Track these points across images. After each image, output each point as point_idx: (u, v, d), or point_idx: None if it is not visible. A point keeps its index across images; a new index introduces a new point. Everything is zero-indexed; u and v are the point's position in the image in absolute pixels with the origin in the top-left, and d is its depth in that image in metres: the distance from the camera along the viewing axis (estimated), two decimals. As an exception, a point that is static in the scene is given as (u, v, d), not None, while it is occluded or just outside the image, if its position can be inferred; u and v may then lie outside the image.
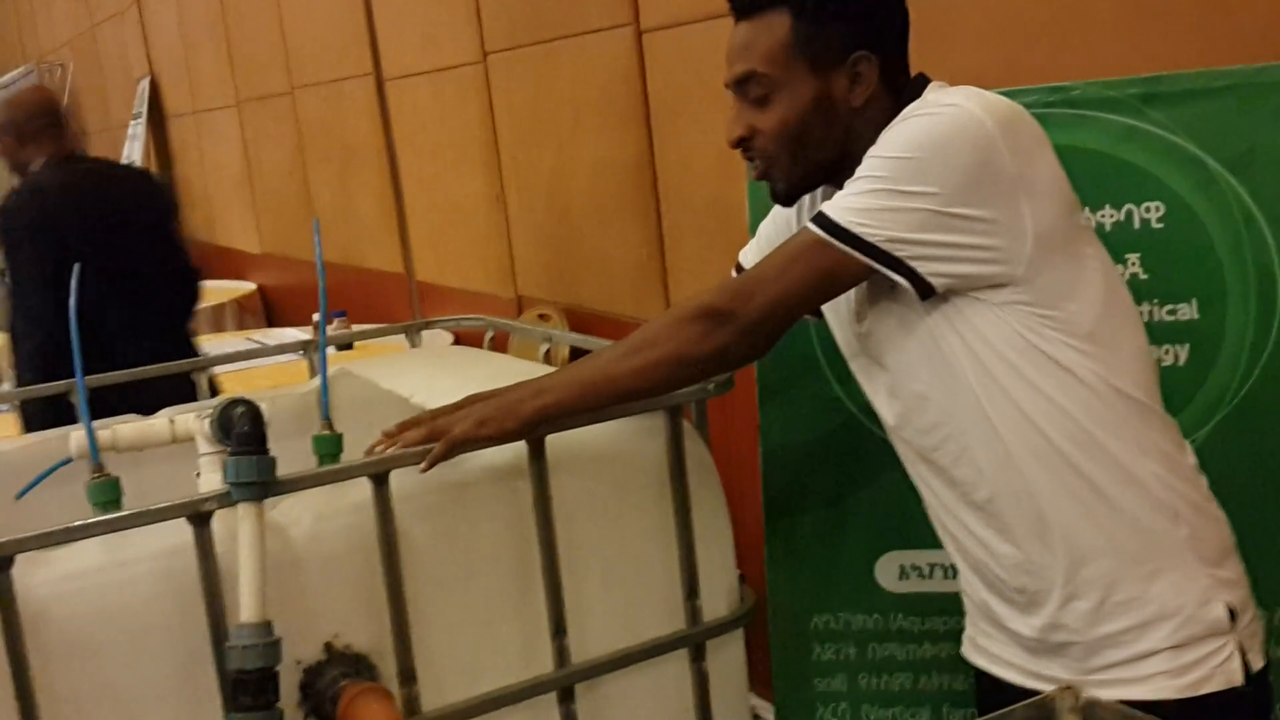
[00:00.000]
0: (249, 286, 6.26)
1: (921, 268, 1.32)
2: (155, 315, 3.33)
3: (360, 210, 5.08)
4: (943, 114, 1.32)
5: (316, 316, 4.05)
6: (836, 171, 1.44)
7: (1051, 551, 1.37)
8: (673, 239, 3.17)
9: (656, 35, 3.07)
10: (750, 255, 1.69)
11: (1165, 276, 1.72)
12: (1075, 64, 2.03)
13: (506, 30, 3.73)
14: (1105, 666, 1.37)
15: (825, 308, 1.57)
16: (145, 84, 7.73)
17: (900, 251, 1.32)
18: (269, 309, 6.24)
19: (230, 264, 6.87)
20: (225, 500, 1.36)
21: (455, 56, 4.03)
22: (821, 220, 1.36)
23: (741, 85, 1.44)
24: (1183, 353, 1.73)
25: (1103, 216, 1.74)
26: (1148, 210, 1.73)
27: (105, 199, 3.28)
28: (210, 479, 1.51)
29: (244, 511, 1.34)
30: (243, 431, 1.35)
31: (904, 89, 1.44)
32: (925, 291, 1.34)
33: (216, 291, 6.14)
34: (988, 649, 1.50)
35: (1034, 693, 1.35)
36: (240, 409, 1.36)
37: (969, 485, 1.41)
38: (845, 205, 1.35)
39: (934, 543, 1.83)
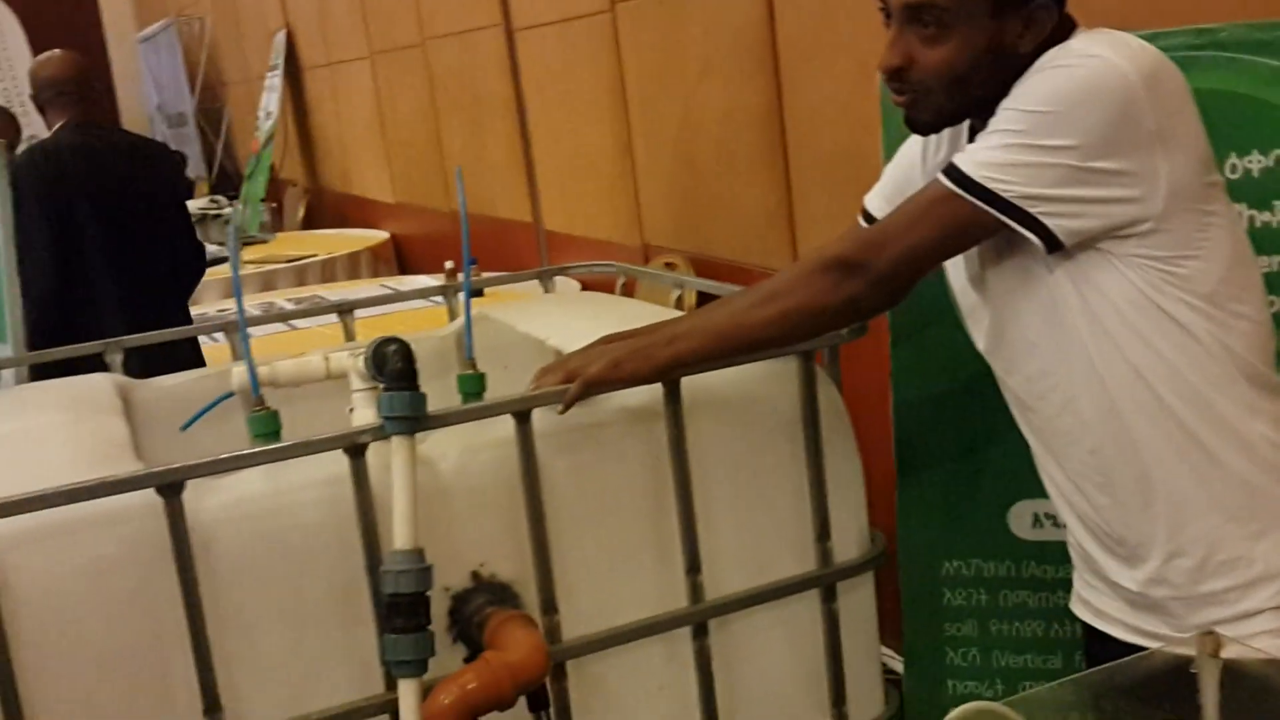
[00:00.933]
0: (382, 235, 6.41)
1: (1053, 223, 1.31)
2: (153, 289, 3.34)
3: (490, 160, 5.16)
4: (1083, 65, 1.30)
5: (449, 264, 4.16)
6: (987, 108, 1.41)
7: (1153, 507, 1.37)
8: (800, 188, 3.16)
9: (788, -18, 3.06)
10: (875, 199, 1.68)
11: (1313, 224, 1.68)
12: (1222, 5, 1.97)
13: (637, -21, 3.74)
14: (1208, 624, 1.35)
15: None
16: (281, 36, 7.91)
17: (1034, 208, 1.31)
18: (401, 257, 6.38)
19: (364, 213, 7.03)
20: (379, 434, 1.42)
21: (584, 6, 4.06)
22: (954, 173, 1.35)
23: (912, 12, 1.37)
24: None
25: (1250, 162, 1.70)
26: (1297, 155, 1.68)
27: (114, 168, 3.33)
28: (363, 414, 1.58)
29: (397, 444, 1.41)
30: (396, 368, 1.41)
31: (1060, 30, 1.40)
32: (1053, 246, 1.33)
33: (351, 240, 6.32)
34: (1091, 602, 1.51)
35: (1137, 648, 1.35)
36: (393, 347, 1.42)
37: (1072, 436, 1.42)
38: (979, 159, 1.34)
39: (1068, 491, 1.84)
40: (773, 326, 1.49)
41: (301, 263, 5.68)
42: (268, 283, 5.46)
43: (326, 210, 7.93)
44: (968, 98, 1.40)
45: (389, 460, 1.42)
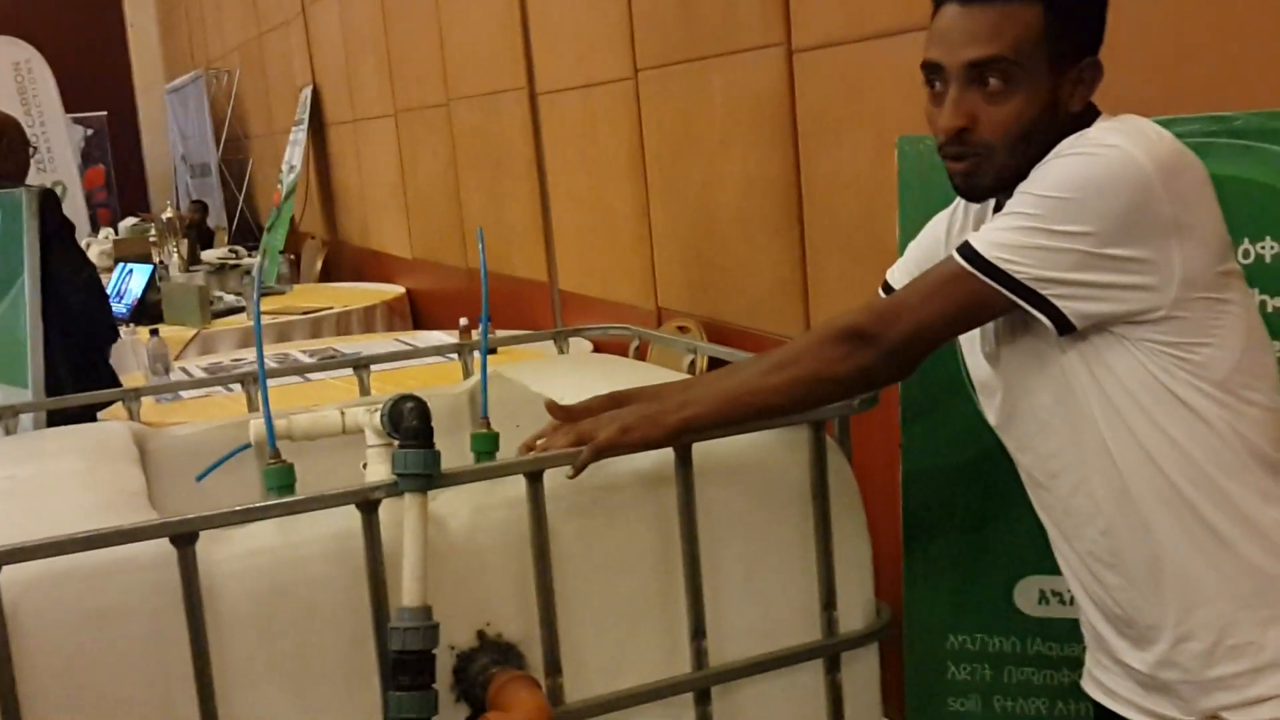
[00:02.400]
0: (398, 290, 6.45)
1: (1065, 306, 1.33)
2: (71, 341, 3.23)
3: (508, 219, 5.21)
4: (1101, 155, 1.32)
5: (464, 320, 4.19)
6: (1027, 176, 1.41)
7: (1163, 589, 1.37)
8: (815, 257, 3.19)
9: (807, 55, 3.11)
10: (897, 275, 1.70)
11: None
12: (1239, 93, 2.00)
13: (659, 48, 3.80)
14: (1217, 709, 1.36)
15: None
16: (308, 92, 8.03)
17: (1046, 290, 1.33)
18: (416, 312, 6.43)
19: (382, 267, 7.09)
20: (392, 490, 1.44)
21: (608, 72, 4.12)
22: (967, 252, 1.37)
23: (977, 69, 1.36)
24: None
25: (1263, 248, 1.72)
26: (1311, 243, 1.70)
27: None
28: (377, 469, 1.60)
29: (410, 501, 1.42)
30: (411, 425, 1.42)
31: (1092, 116, 1.42)
32: (1065, 328, 1.35)
33: (367, 293, 6.36)
34: (1103, 681, 1.50)
35: None
36: (410, 404, 1.44)
37: (1084, 516, 1.42)
38: (994, 240, 1.35)
39: (1075, 569, 1.84)
40: (782, 394, 1.50)
41: (318, 315, 5.71)
42: (283, 334, 5.50)
43: (344, 264, 8.00)
44: (1028, 158, 1.38)
45: (400, 517, 1.43)
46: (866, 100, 2.91)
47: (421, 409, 1.44)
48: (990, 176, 1.41)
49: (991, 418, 1.54)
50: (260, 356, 1.58)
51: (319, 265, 8.16)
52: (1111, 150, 1.31)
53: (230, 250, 8.04)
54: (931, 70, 1.42)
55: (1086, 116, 1.42)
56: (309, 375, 3.22)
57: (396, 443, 1.45)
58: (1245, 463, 1.33)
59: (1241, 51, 2.02)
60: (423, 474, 1.41)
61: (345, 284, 7.25)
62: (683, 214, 3.83)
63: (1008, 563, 1.88)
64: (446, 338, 4.69)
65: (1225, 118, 1.72)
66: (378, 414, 1.55)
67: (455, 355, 2.51)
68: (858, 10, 2.90)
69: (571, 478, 1.50)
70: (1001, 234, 1.35)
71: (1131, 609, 1.41)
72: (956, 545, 1.90)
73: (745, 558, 1.70)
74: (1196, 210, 1.32)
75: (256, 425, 1.63)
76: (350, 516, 1.46)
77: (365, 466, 1.63)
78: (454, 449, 1.96)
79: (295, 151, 8.05)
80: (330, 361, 2.38)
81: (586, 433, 1.52)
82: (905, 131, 1.96)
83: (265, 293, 6.55)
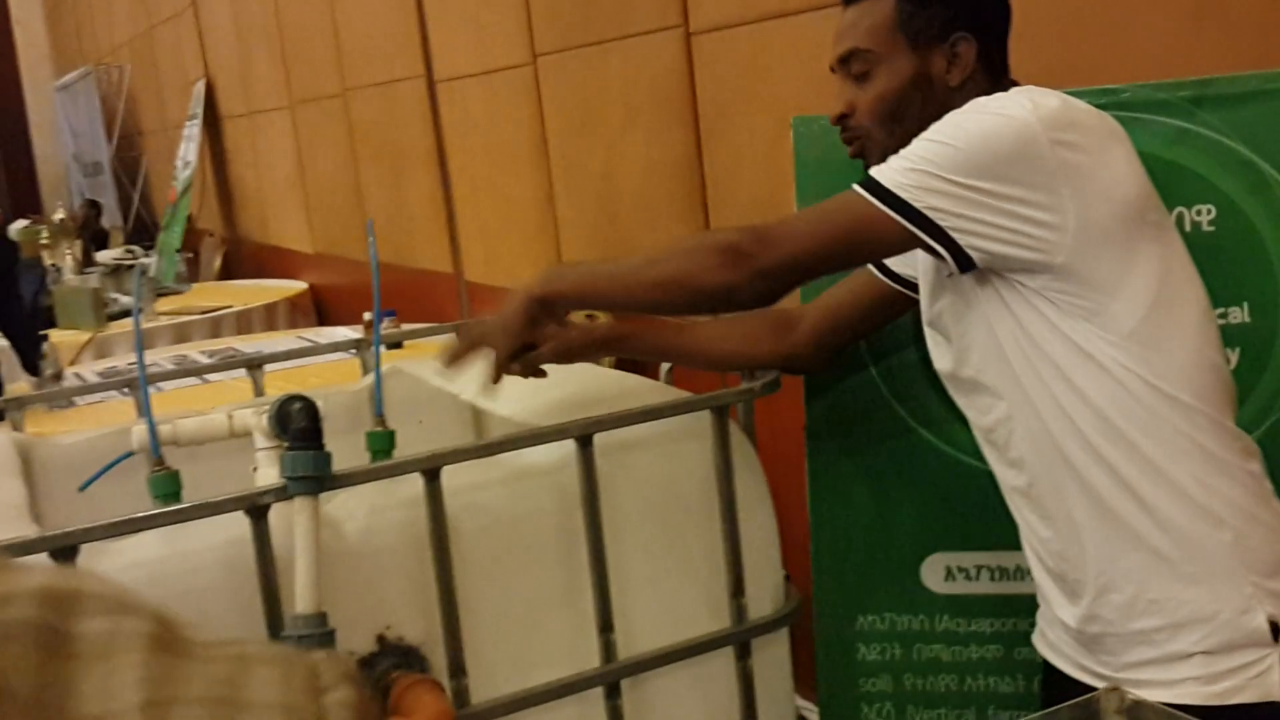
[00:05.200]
0: (300, 285, 6.33)
1: (962, 240, 1.33)
2: None
3: (411, 210, 5.13)
4: (987, 108, 1.36)
5: (368, 315, 4.11)
6: None
7: (1084, 542, 1.39)
8: (720, 239, 3.18)
9: (705, 37, 3.09)
10: None
11: (1216, 279, 1.69)
12: (1126, 66, 2.02)
13: (556, 32, 3.76)
14: (1138, 664, 1.38)
15: (921, 286, 1.58)
16: (201, 86, 7.84)
17: (943, 222, 1.33)
18: (320, 308, 6.31)
19: (283, 263, 6.95)
20: (282, 494, 1.39)
21: (506, 58, 4.07)
22: (867, 182, 1.37)
23: (844, 63, 1.50)
24: (1234, 356, 1.72)
25: (1152, 218, 1.73)
26: (1199, 213, 1.72)
27: None
28: (267, 473, 1.54)
29: (300, 505, 1.37)
30: (300, 427, 1.38)
31: (1002, 80, 1.49)
32: (964, 264, 1.36)
33: (269, 290, 6.23)
34: (1047, 636, 1.53)
35: (1086, 686, 1.37)
36: (297, 405, 1.39)
37: (1017, 469, 1.44)
38: (891, 170, 1.36)
39: (981, 544, 1.85)
40: (647, 288, 1.48)
41: (217, 314, 5.58)
42: (182, 335, 5.36)
43: (244, 260, 7.83)
44: (905, 134, 1.42)
45: (293, 521, 1.38)
46: (764, 81, 2.90)
47: (310, 409, 1.39)
48: (876, 155, 1.46)
49: (938, 367, 1.56)
50: (140, 360, 1.52)
51: (218, 263, 7.99)
52: (997, 104, 1.35)
53: (126, 250, 7.82)
54: (832, 69, 1.54)
55: (1006, 88, 1.45)
56: (206, 377, 3.12)
57: (285, 445, 1.40)
58: (1159, 415, 1.34)
59: (1128, 25, 2.04)
60: (312, 477, 1.37)
61: (246, 281, 7.10)
62: (587, 199, 3.80)
63: (914, 540, 1.88)
64: (351, 333, 4.60)
65: (1112, 90, 1.72)
66: (266, 416, 1.50)
67: (353, 352, 2.45)
68: (752, -9, 2.89)
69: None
70: (895, 172, 1.36)
71: (1062, 561, 1.42)
72: (862, 524, 1.90)
73: (652, 547, 1.68)
74: (1092, 157, 1.33)
75: (139, 432, 1.57)
76: (240, 523, 1.41)
77: (255, 470, 1.57)
78: (354, 448, 1.91)
79: (190, 147, 7.86)
80: (222, 362, 2.31)
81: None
82: (803, 112, 1.94)
83: (163, 293, 6.38)
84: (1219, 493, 1.35)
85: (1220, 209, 1.71)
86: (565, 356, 1.68)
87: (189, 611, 1.42)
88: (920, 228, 1.34)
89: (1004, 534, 1.57)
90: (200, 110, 7.77)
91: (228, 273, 7.89)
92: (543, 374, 1.66)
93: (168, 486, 1.51)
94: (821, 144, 1.88)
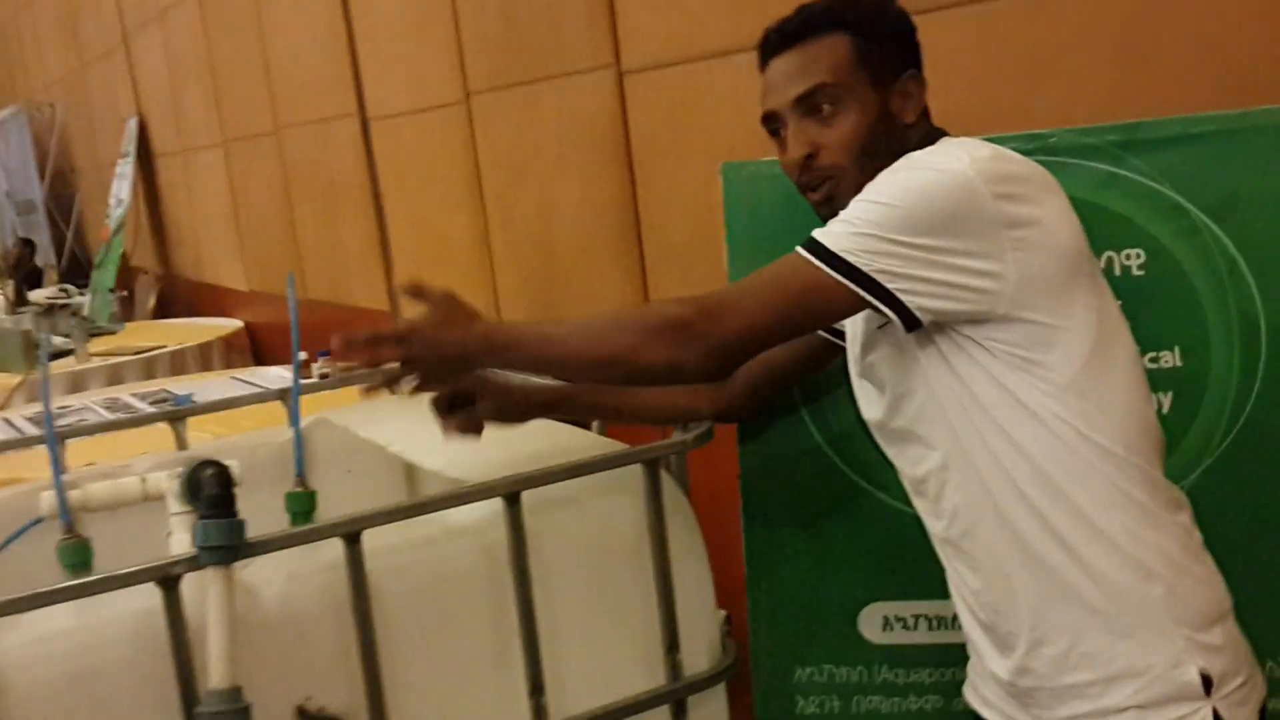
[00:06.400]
0: (236, 324, 6.23)
1: (909, 300, 1.31)
2: None
3: (346, 248, 5.07)
4: (924, 163, 1.34)
5: (303, 355, 4.04)
6: None
7: (1017, 594, 1.37)
8: (655, 278, 3.16)
9: (638, 77, 3.07)
10: None
11: (1147, 324, 1.70)
12: (1054, 110, 2.02)
13: (489, 71, 3.74)
14: (1072, 718, 1.35)
15: (849, 335, 1.56)
16: (133, 123, 7.72)
17: (891, 284, 1.31)
18: (256, 346, 6.21)
19: (217, 301, 6.85)
20: (194, 564, 1.34)
21: (439, 97, 4.03)
22: (812, 246, 1.34)
23: (805, 101, 1.44)
24: (1166, 400, 1.71)
25: (1082, 262, 1.73)
26: (1128, 257, 1.72)
27: None
28: (181, 539, 1.49)
29: (212, 576, 1.32)
30: (211, 494, 1.33)
31: (931, 129, 1.48)
32: (910, 324, 1.34)
33: (204, 329, 6.12)
34: (978, 688, 1.50)
35: None
36: (209, 471, 1.34)
37: (949, 520, 1.42)
38: (836, 233, 1.34)
39: (918, 593, 1.83)
40: (598, 365, 1.42)
41: (150, 354, 5.47)
42: (115, 376, 5.24)
43: (179, 298, 7.71)
44: (876, 170, 1.39)
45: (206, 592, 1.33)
46: (697, 121, 2.89)
47: (221, 476, 1.34)
48: (848, 196, 1.40)
49: (868, 418, 1.53)
50: (49, 422, 1.46)
51: (152, 301, 7.85)
52: (934, 160, 1.34)
53: (60, 289, 7.67)
54: (770, 120, 1.49)
55: (931, 136, 1.45)
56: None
57: (198, 513, 1.35)
58: (1093, 468, 1.32)
59: (1056, 69, 2.04)
60: (225, 546, 1.32)
61: (180, 320, 6.98)
62: (522, 238, 3.76)
63: (851, 590, 1.86)
64: (284, 373, 4.52)
65: (1040, 135, 1.72)
66: (179, 479, 1.44)
67: (281, 401, 2.39)
68: (685, 31, 2.88)
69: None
70: (840, 236, 1.33)
71: (994, 613, 1.40)
72: (799, 575, 1.87)
73: (584, 605, 1.64)
74: (1032, 211, 1.32)
75: (48, 497, 1.51)
76: (153, 594, 1.35)
77: (170, 536, 1.52)
78: (280, 502, 1.86)
79: (123, 185, 7.74)
80: (144, 416, 2.24)
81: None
82: (736, 153, 1.92)
83: (96, 332, 6.24)
84: (1151, 545, 1.34)
85: (1150, 253, 1.71)
86: (504, 417, 1.64)
87: (100, 687, 1.36)
88: (870, 291, 1.32)
89: (942, 582, 1.55)
90: (133, 148, 7.66)
91: (163, 311, 7.76)
92: (478, 434, 1.63)
93: (76, 556, 1.46)
94: (751, 190, 1.86)
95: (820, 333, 1.67)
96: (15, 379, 5.05)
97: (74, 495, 1.52)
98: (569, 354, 1.42)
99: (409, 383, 1.47)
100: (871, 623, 1.86)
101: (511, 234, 3.82)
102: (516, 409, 1.65)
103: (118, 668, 1.36)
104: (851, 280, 1.32)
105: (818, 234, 1.35)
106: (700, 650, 1.72)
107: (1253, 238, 1.68)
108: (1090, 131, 1.73)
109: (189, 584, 1.36)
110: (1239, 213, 1.68)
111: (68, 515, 1.47)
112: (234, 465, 1.43)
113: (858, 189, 1.38)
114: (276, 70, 5.44)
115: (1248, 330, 1.69)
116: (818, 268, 1.33)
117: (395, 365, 1.43)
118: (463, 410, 1.62)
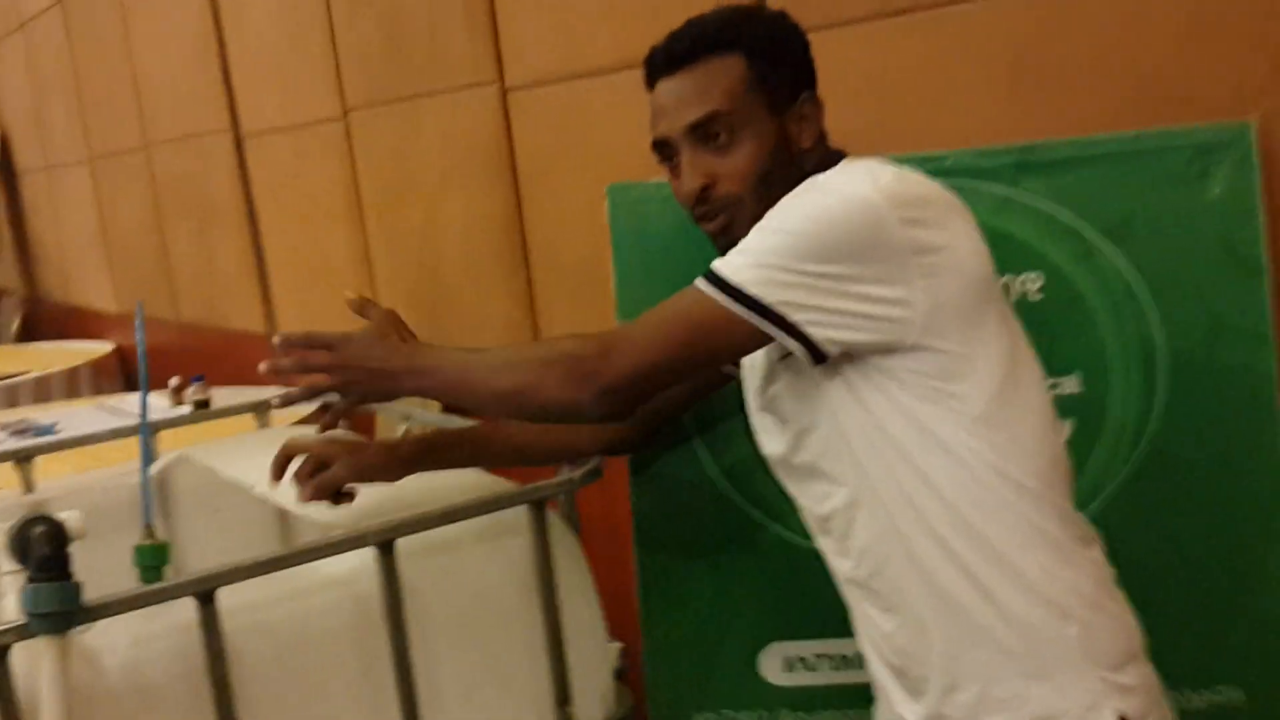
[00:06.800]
0: (106, 347, 5.96)
1: (814, 333, 1.25)
2: None
3: (221, 268, 4.87)
4: (827, 189, 1.27)
5: (174, 380, 3.85)
6: None
7: (929, 636, 1.30)
8: (543, 298, 3.06)
9: (522, 93, 2.98)
10: None
11: (1046, 349, 1.63)
12: (948, 132, 1.98)
13: (367, 86, 3.60)
14: None
15: (744, 366, 1.48)
16: (-5, 137, 7.39)
17: (795, 316, 1.24)
18: (126, 370, 5.95)
19: (85, 324, 6.56)
20: (24, 632, 1.20)
21: (316, 112, 3.88)
22: (711, 278, 1.27)
23: (699, 130, 1.36)
24: (1066, 427, 1.67)
25: (981, 286, 1.67)
26: (1025, 282, 1.67)
27: None
28: (13, 603, 1.34)
29: (45, 646, 1.18)
30: (41, 555, 1.19)
31: (828, 152, 1.40)
32: (817, 356, 1.27)
33: (71, 353, 5.85)
34: None
35: None
36: (39, 529, 1.20)
37: (857, 559, 1.35)
38: (737, 265, 1.26)
39: (820, 632, 1.76)
40: (498, 399, 1.34)
41: (13, 381, 5.19)
42: (-26, 404, 4.96)
43: (45, 321, 7.37)
44: (774, 199, 1.33)
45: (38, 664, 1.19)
46: (583, 139, 2.80)
47: (54, 533, 1.20)
48: (746, 226, 1.34)
49: (770, 459, 1.45)
50: None
51: (16, 324, 7.50)
52: (837, 184, 1.27)
53: (-84, 311, 7.31)
54: (662, 147, 1.41)
55: (830, 159, 1.38)
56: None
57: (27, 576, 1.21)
58: (1006, 502, 1.26)
59: (950, 90, 2.00)
60: (58, 613, 1.18)
61: (47, 344, 6.66)
62: (406, 258, 3.63)
63: (751, 630, 1.78)
64: (157, 399, 4.31)
65: (935, 157, 1.67)
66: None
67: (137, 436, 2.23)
68: (569, 48, 2.79)
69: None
70: (742, 267, 1.26)
71: (904, 657, 1.34)
72: (696, 616, 1.79)
73: (467, 658, 1.53)
74: (940, 235, 1.26)
75: None
76: (-23, 665, 1.21)
77: (2, 597, 1.37)
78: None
79: (-17, 202, 7.39)
80: (-15, 454, 2.07)
81: (323, 477, 1.50)
82: (624, 171, 1.84)
83: (-47, 358, 5.93)
84: (1065, 583, 1.28)
85: (1048, 276, 1.67)
86: (365, 477, 1.53)
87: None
88: (775, 324, 1.25)
89: (844, 620, 1.48)
90: (-6, 163, 7.32)
91: (28, 334, 7.41)
92: (351, 498, 1.52)
93: (-111, 625, 1.29)
94: (638, 212, 1.79)
95: None
96: None
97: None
98: (476, 386, 1.35)
99: (329, 396, 1.41)
100: (772, 663, 1.78)
101: (394, 254, 3.68)
102: (375, 467, 1.54)
103: (-63, 751, 1.21)
104: (755, 313, 1.25)
105: (717, 265, 1.28)
106: (593, 700, 1.62)
107: (1149, 259, 1.66)
108: (986, 153, 1.69)
109: (20, 653, 1.22)
110: (1135, 234, 1.66)
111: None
112: (72, 517, 1.28)
113: (755, 219, 1.33)
114: (145, 84, 5.22)
115: (1146, 353, 1.67)
116: (717, 302, 1.26)
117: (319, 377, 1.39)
118: (319, 475, 1.50)
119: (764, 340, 1.27)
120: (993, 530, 1.27)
